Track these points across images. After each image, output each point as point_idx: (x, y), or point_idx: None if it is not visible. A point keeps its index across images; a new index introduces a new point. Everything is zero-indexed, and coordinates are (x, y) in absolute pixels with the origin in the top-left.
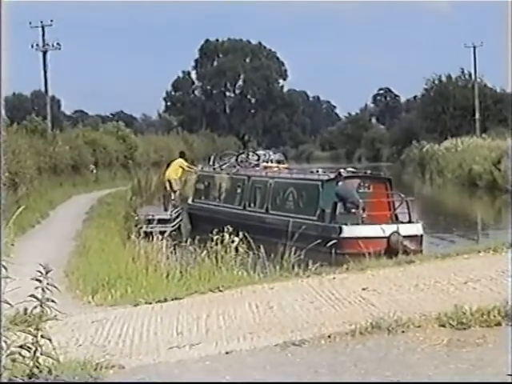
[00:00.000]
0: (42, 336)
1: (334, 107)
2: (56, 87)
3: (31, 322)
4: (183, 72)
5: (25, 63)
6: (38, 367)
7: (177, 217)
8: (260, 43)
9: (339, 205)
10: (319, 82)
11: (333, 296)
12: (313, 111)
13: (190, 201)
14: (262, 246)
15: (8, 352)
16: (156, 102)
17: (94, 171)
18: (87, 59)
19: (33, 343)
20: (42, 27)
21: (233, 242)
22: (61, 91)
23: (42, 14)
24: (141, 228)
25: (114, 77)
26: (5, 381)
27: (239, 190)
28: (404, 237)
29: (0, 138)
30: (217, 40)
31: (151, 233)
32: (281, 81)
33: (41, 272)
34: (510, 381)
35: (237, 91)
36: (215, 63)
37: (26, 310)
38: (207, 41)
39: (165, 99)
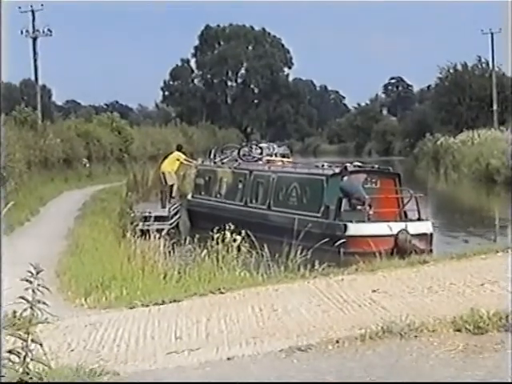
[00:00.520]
0: (32, 340)
1: (343, 97)
2: (47, 76)
3: (21, 326)
4: (182, 60)
5: (14, 50)
6: (28, 373)
7: (175, 214)
8: (264, 29)
9: (344, 201)
10: (327, 71)
11: (341, 298)
12: (320, 102)
13: (189, 197)
14: (265, 245)
15: None
16: (153, 92)
17: (87, 165)
18: (80, 46)
19: (22, 348)
20: (32, 12)
21: (234, 240)
22: (52, 80)
23: None
24: (137, 226)
25: (109, 65)
26: None
27: (240, 186)
28: (412, 235)
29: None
30: (218, 26)
31: (148, 231)
32: (286, 69)
33: (31, 272)
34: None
35: (239, 80)
36: (216, 51)
37: (15, 312)
38: (208, 27)
39: (162, 89)
